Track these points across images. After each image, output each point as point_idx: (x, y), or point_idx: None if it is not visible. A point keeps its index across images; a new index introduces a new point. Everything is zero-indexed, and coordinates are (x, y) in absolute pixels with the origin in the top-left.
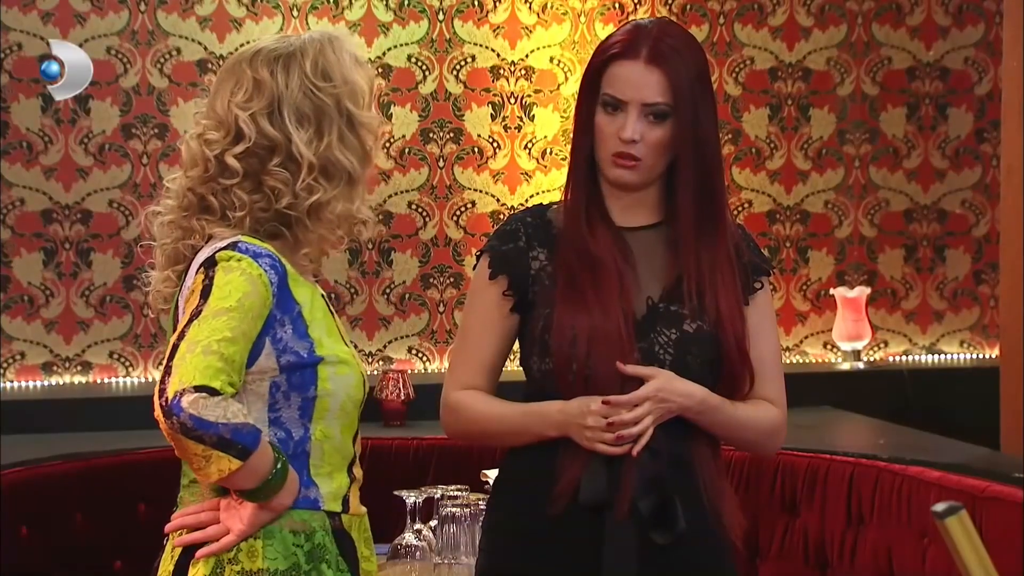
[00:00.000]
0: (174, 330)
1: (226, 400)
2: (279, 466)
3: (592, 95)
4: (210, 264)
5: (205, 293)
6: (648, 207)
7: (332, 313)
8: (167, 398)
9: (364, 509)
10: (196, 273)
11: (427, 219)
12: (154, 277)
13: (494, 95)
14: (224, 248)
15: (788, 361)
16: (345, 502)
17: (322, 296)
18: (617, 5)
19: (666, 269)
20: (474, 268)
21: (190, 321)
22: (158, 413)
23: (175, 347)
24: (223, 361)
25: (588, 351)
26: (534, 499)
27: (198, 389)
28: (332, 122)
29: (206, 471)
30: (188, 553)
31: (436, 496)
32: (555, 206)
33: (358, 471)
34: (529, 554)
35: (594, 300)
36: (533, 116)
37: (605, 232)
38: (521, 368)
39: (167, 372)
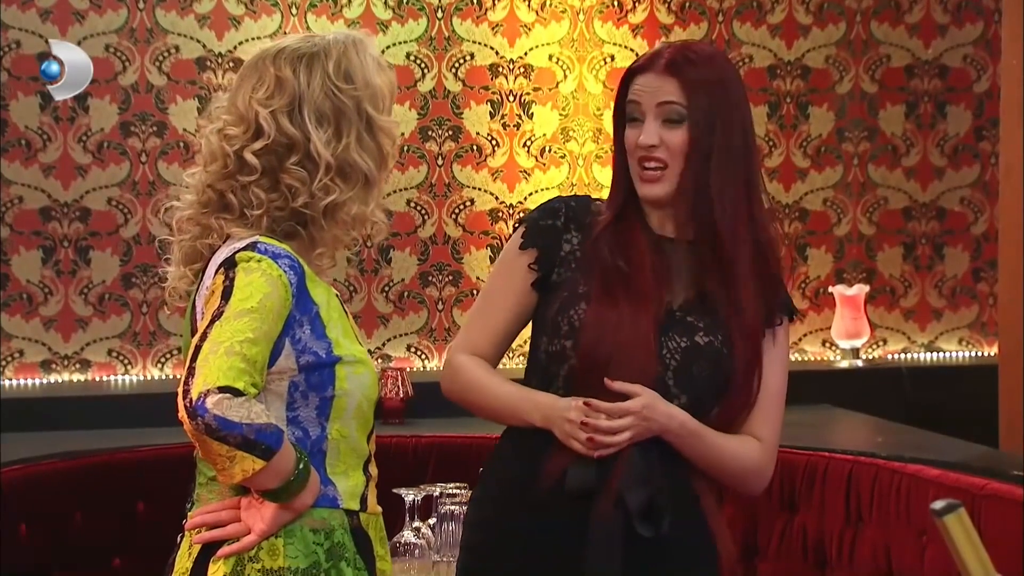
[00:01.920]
0: (191, 330)
1: (249, 401)
2: (301, 466)
3: (621, 114)
4: (230, 265)
5: (226, 294)
6: (684, 222)
7: (346, 313)
8: (191, 399)
9: (380, 508)
10: (215, 274)
11: (426, 217)
12: (171, 273)
13: (493, 93)
14: (243, 248)
15: None
16: (363, 500)
17: (337, 296)
18: (616, 3)
19: (693, 283)
20: (509, 237)
21: (212, 322)
22: (182, 414)
23: (197, 348)
24: (246, 362)
25: (613, 347)
26: (519, 491)
27: (222, 390)
28: (351, 124)
29: (230, 471)
30: (207, 551)
31: (435, 494)
32: (600, 202)
33: (373, 469)
34: (513, 546)
35: (624, 298)
36: (532, 114)
37: (641, 234)
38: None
39: (190, 373)
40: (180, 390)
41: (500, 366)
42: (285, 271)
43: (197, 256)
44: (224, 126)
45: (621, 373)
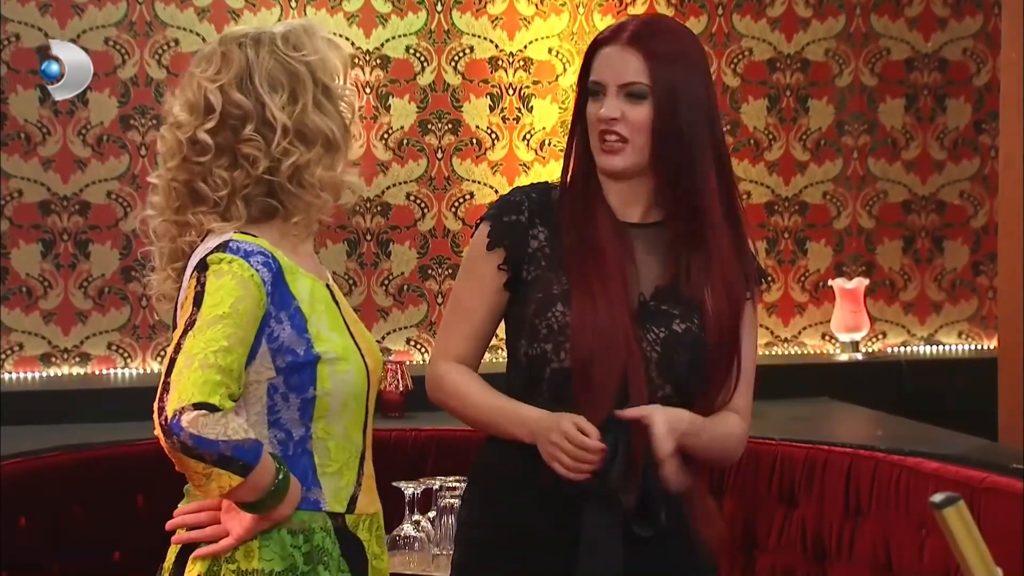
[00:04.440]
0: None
1: (226, 416)
2: (280, 478)
3: (584, 87)
4: (202, 268)
5: (197, 300)
6: (648, 203)
7: (336, 303)
8: (166, 417)
9: (376, 507)
10: (190, 277)
11: (425, 210)
12: (155, 279)
13: (492, 86)
14: (215, 249)
15: (786, 352)
16: (352, 502)
17: (327, 287)
18: None
19: (663, 267)
20: (472, 234)
21: (185, 332)
22: (158, 431)
23: (172, 361)
24: (221, 373)
25: (595, 348)
26: (511, 492)
27: (197, 407)
28: (306, 87)
29: (207, 488)
30: (187, 550)
31: (434, 487)
32: (559, 187)
33: (368, 467)
34: (508, 545)
35: (599, 292)
36: (531, 107)
37: (606, 222)
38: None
39: (165, 389)
40: (155, 407)
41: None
42: (257, 269)
43: (179, 255)
44: (175, 118)
45: (605, 373)
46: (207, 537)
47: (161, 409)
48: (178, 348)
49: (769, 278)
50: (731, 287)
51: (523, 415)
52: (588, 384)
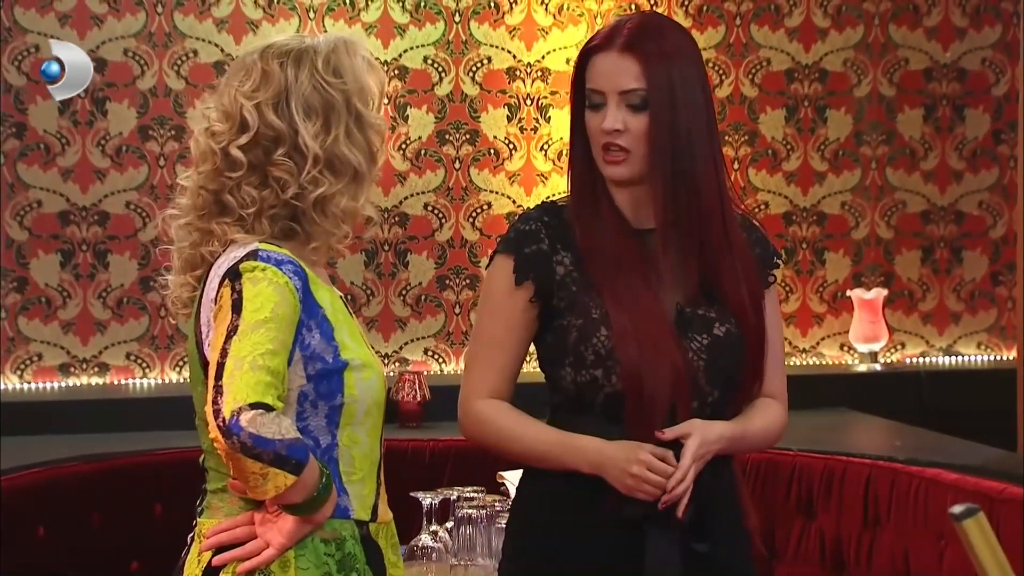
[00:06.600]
0: (196, 341)
1: (279, 416)
2: (324, 480)
3: (580, 96)
4: (234, 276)
5: (236, 307)
6: (663, 207)
7: (351, 315)
8: (224, 418)
9: (391, 516)
10: (221, 286)
11: (443, 221)
12: (172, 281)
13: (510, 97)
14: (245, 258)
15: (805, 363)
16: (374, 510)
17: (341, 298)
18: (633, 7)
19: (688, 270)
20: (488, 266)
21: (228, 337)
22: (215, 434)
23: (220, 365)
24: (271, 375)
25: (647, 369)
26: (569, 506)
27: (254, 406)
28: (340, 118)
29: (262, 488)
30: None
31: (452, 498)
32: (568, 202)
33: (382, 475)
34: (562, 562)
35: (634, 309)
36: (549, 118)
37: (620, 232)
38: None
39: (218, 392)
40: (210, 410)
41: None
42: (290, 277)
43: (198, 262)
44: (211, 124)
45: (655, 388)
46: (248, 553)
47: (217, 412)
48: (224, 353)
49: (781, 258)
50: (749, 280)
51: (581, 447)
52: (640, 403)
